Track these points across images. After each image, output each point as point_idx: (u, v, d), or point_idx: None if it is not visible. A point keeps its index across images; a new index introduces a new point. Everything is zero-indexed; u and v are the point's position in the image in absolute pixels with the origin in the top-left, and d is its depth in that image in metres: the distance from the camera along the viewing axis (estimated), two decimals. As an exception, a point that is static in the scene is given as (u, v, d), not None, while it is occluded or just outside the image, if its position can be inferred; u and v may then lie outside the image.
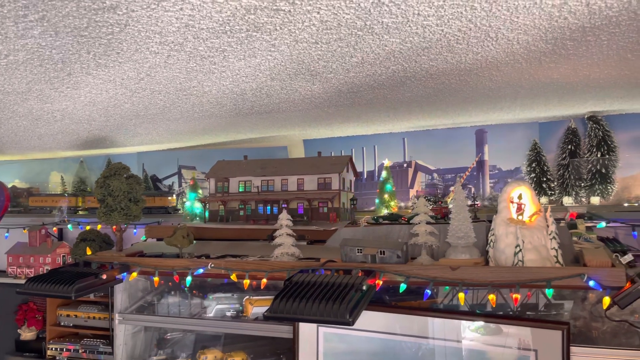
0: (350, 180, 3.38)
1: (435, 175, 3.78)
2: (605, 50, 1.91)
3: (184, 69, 2.04)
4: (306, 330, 2.92)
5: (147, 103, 2.61)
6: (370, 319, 2.88)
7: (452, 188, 3.67)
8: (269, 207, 3.15)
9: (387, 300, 2.98)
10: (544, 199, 3.37)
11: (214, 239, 3.28)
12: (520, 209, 2.41)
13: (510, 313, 2.72)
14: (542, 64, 2.08)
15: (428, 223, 2.55)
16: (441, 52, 1.90)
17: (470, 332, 2.69)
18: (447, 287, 2.39)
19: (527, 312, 2.77)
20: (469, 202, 3.34)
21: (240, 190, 3.31)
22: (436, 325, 2.75)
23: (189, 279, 2.74)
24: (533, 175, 3.39)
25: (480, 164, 3.65)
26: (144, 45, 1.73)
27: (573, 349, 2.45)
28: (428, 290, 2.32)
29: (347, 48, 1.83)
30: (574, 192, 3.29)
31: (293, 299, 2.18)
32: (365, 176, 3.96)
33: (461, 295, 2.26)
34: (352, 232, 2.88)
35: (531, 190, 2.42)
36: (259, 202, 3.19)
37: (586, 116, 3.27)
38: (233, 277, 2.68)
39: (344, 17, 1.53)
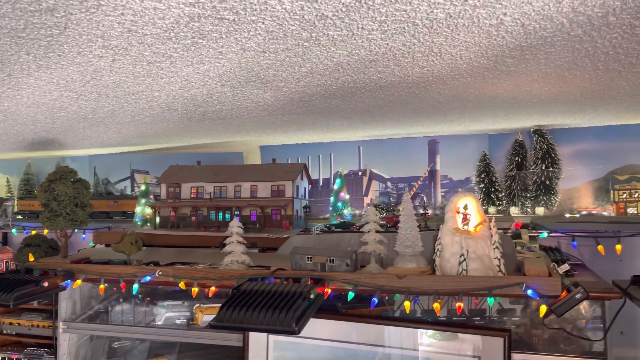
0: (305, 188, 3.39)
1: (389, 183, 3.83)
2: (543, 68, 1.99)
3: (130, 74, 2.00)
4: (256, 338, 2.91)
5: (94, 106, 2.55)
6: (322, 327, 2.90)
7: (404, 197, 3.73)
8: (221, 214, 3.12)
9: (340, 308, 3.01)
10: (492, 209, 3.47)
11: (165, 245, 3.23)
12: (465, 219, 2.47)
13: (464, 319, 2.79)
14: (486, 79, 2.15)
15: (377, 232, 2.59)
16: (388, 65, 1.94)
17: (427, 338, 2.74)
18: (398, 295, 2.42)
19: (478, 318, 2.84)
20: (421, 211, 3.41)
21: (192, 196, 3.26)
22: (390, 332, 2.79)
23: (135, 286, 2.68)
24: (482, 185, 3.48)
25: (432, 173, 3.73)
26: (86, 48, 1.70)
27: (514, 355, 2.53)
28: (375, 299, 2.35)
29: (296, 58, 1.84)
30: (520, 203, 3.40)
31: (240, 308, 2.17)
32: (321, 184, 3.98)
33: (407, 303, 2.30)
34: (304, 240, 2.89)
35: (477, 201, 2.49)
36: (211, 208, 3.16)
37: (532, 129, 3.39)
38: (181, 285, 2.64)
39: (289, 28, 1.54)
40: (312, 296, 2.23)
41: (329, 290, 2.39)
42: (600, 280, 2.59)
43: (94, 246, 3.49)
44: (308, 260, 2.51)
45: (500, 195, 3.47)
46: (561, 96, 2.48)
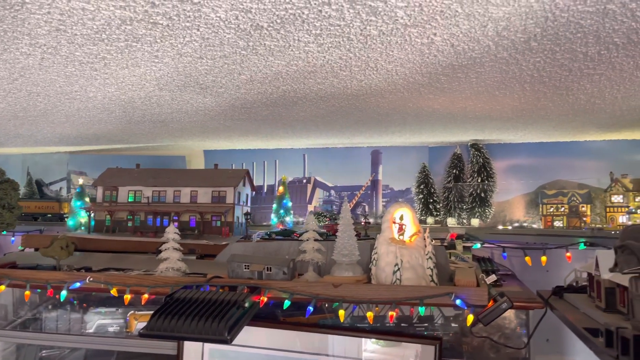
0: (247, 194, 3.37)
1: (332, 192, 3.87)
2: (475, 86, 2.08)
3: (62, 73, 1.93)
4: (191, 347, 2.85)
5: (24, 104, 2.44)
6: (261, 335, 2.88)
7: (343, 206, 3.78)
8: (159, 219, 3.05)
9: (280, 315, 3.00)
10: (430, 219, 3.57)
11: (99, 250, 3.11)
12: (401, 230, 2.53)
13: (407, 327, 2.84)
14: (422, 94, 2.22)
15: (316, 240, 2.60)
16: (327, 77, 1.96)
17: (372, 344, 2.77)
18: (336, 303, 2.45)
19: (427, 325, 2.88)
20: (363, 220, 3.47)
21: (129, 200, 3.17)
22: (333, 340, 2.80)
23: (63, 293, 2.57)
24: (421, 196, 3.58)
25: (375, 183, 3.80)
26: (12, 45, 1.62)
27: (444, 362, 2.60)
28: (310, 307, 2.36)
29: (234, 65, 1.84)
30: (456, 214, 3.51)
31: (171, 317, 2.12)
32: (265, 190, 3.96)
33: (341, 312, 2.33)
34: (243, 247, 2.87)
35: (412, 212, 2.56)
36: (149, 213, 3.08)
37: (469, 143, 3.53)
38: (113, 292, 2.56)
39: (225, 36, 1.54)
40: (246, 305, 2.21)
41: (265, 299, 2.38)
42: (527, 290, 2.70)
43: (22, 250, 3.32)
44: (245, 268, 2.49)
45: (438, 206, 3.58)
46: (494, 113, 2.59)
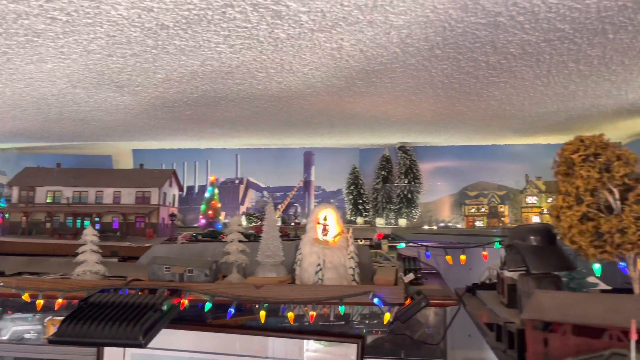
0: (174, 195, 3.30)
1: (265, 192, 3.86)
2: (391, 91, 2.14)
3: (-39, 66, 1.83)
4: (111, 352, 2.77)
5: None
6: (191, 338, 2.85)
7: (279, 206, 3.79)
8: (79, 221, 2.94)
9: (210, 317, 2.97)
10: (360, 220, 3.64)
11: (13, 253, 2.96)
12: (325, 230, 2.56)
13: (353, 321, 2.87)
14: (342, 98, 2.26)
15: (240, 241, 2.59)
16: (245, 77, 1.96)
17: (314, 344, 2.78)
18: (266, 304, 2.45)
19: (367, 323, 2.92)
20: (293, 221, 3.48)
21: (48, 201, 3.04)
22: (272, 341, 2.81)
23: (-31, 299, 2.43)
24: (351, 197, 3.64)
25: (307, 184, 3.82)
26: None
27: (366, 360, 2.67)
28: (231, 309, 2.35)
29: (147, 64, 1.80)
30: (385, 214, 3.59)
31: (83, 322, 2.05)
32: (196, 191, 3.90)
33: (262, 313, 2.33)
34: (167, 249, 2.81)
35: (336, 213, 2.60)
36: (68, 214, 2.96)
37: (397, 146, 3.62)
38: (25, 297, 2.44)
39: (131, 35, 1.51)
40: (164, 307, 2.17)
41: (186, 301, 2.35)
42: (446, 288, 2.81)
43: None
44: (166, 270, 2.44)
45: (368, 207, 3.65)
46: (415, 117, 2.68)
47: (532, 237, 1.55)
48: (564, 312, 1.10)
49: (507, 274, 1.91)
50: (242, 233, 2.69)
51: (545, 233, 1.48)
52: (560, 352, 1.04)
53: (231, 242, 2.58)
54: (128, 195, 2.99)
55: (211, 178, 3.55)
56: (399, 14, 1.35)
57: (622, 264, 2.20)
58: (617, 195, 1.24)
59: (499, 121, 2.76)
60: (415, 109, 2.48)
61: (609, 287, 1.72)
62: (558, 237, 1.43)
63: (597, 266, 2.26)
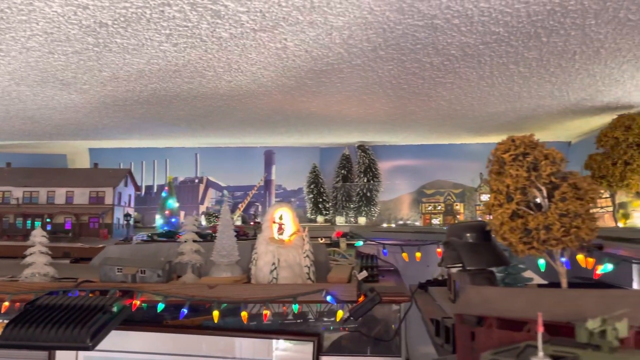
0: (130, 195, 3.25)
1: (225, 192, 3.84)
2: (342, 90, 2.16)
3: None
4: (63, 355, 2.71)
5: None
6: (151, 340, 2.82)
7: (239, 205, 3.78)
8: (29, 222, 2.86)
9: (168, 318, 2.94)
10: (320, 218, 3.66)
11: (-41, 256, 2.87)
12: (281, 229, 2.57)
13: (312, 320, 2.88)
14: (295, 97, 2.27)
15: (195, 241, 2.57)
16: (193, 76, 1.95)
17: (283, 343, 2.79)
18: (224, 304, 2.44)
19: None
20: (252, 221, 3.48)
21: (-4, 202, 2.95)
22: (238, 343, 2.81)
23: None
24: (311, 195, 3.65)
25: (268, 183, 3.82)
26: None
27: (323, 357, 2.69)
28: (184, 310, 2.33)
29: (91, 62, 1.77)
30: (345, 213, 3.62)
31: (29, 325, 2.00)
32: (155, 190, 3.85)
33: (215, 312, 2.32)
34: (120, 249, 2.77)
35: (292, 212, 2.60)
36: (18, 215, 2.88)
37: (356, 145, 3.65)
38: (-31, 300, 2.37)
39: (70, 32, 1.48)
40: (114, 309, 2.14)
41: (138, 302, 2.32)
42: (401, 285, 2.85)
43: None
44: (118, 271, 2.41)
45: (328, 205, 3.67)
46: (369, 117, 2.71)
47: (468, 235, 1.59)
48: (490, 306, 1.13)
49: (453, 270, 1.95)
50: (198, 233, 2.67)
51: (481, 230, 1.52)
52: (486, 345, 1.07)
53: (185, 242, 2.56)
54: (81, 195, 2.93)
55: (169, 177, 3.50)
56: (337, 15, 1.37)
57: (563, 259, 2.28)
58: (545, 193, 1.28)
59: (451, 121, 2.82)
60: (369, 108, 2.51)
61: (545, 282, 1.78)
62: (493, 234, 1.47)
63: (541, 261, 2.34)
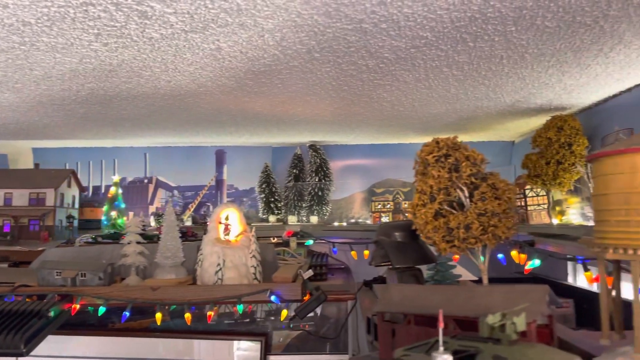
0: (74, 196, 3.17)
1: (176, 192, 3.79)
2: (284, 91, 2.17)
3: None
4: (1, 362, 2.62)
5: None
6: (96, 343, 2.77)
7: (190, 206, 3.74)
8: (-36, 225, 2.75)
9: (116, 322, 2.89)
10: (272, 218, 3.66)
11: None
12: (227, 230, 2.56)
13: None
14: (238, 97, 2.27)
15: (139, 243, 2.53)
16: (130, 76, 1.92)
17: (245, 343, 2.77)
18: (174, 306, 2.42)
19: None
20: (201, 221, 3.45)
21: None
22: (197, 345, 2.78)
23: None
24: (263, 195, 3.65)
25: (219, 183, 3.79)
26: None
27: (270, 357, 2.70)
28: (126, 312, 2.29)
29: (20, 61, 1.72)
30: (297, 212, 3.64)
31: (-43, 332, 1.93)
32: (103, 191, 3.76)
33: (158, 315, 2.30)
34: (61, 252, 2.69)
35: (239, 212, 2.60)
36: (-48, 218, 2.77)
37: (308, 144, 3.67)
38: None
39: (-8, 30, 1.43)
40: (51, 314, 2.09)
41: (78, 306, 2.27)
42: (350, 282, 2.89)
43: None
44: (57, 275, 2.34)
45: (280, 205, 3.68)
46: (316, 117, 2.73)
47: (396, 234, 1.64)
48: (409, 304, 1.17)
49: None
50: (143, 234, 2.64)
51: (408, 229, 1.57)
52: (405, 341, 1.11)
53: (129, 243, 2.52)
54: (20, 197, 2.84)
55: (115, 178, 3.43)
56: (267, 18, 1.38)
57: (500, 256, 2.36)
58: (466, 193, 1.33)
59: (397, 121, 2.87)
60: (314, 109, 2.53)
61: (475, 278, 1.84)
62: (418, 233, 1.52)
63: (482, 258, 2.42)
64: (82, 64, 1.77)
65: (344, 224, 3.67)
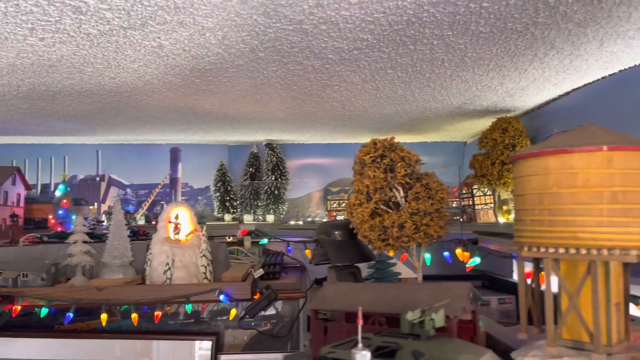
0: (19, 194, 3.07)
1: (129, 190, 3.72)
2: (232, 90, 2.16)
3: None
4: (-62, 367, 2.52)
5: None
6: (38, 346, 2.69)
7: (143, 204, 3.68)
8: None
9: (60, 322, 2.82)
10: (227, 217, 3.64)
11: None
12: (177, 229, 2.53)
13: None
14: (187, 95, 2.25)
15: (85, 242, 2.48)
16: (72, 72, 1.88)
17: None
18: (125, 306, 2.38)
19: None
20: (154, 220, 3.39)
21: None
22: (155, 345, 2.73)
23: None
24: (218, 194, 3.62)
25: (174, 181, 3.75)
26: None
27: (221, 357, 2.68)
28: (70, 314, 2.24)
29: (-49, 54, 1.66)
30: (252, 211, 3.63)
31: None
32: (52, 188, 3.66)
33: (103, 315, 2.26)
34: (3, 252, 2.60)
35: (190, 211, 2.57)
36: None
37: (264, 143, 3.66)
38: None
39: None
40: (-12, 316, 2.02)
41: (19, 308, 2.20)
42: (303, 281, 2.90)
43: None
44: (-3, 275, 2.27)
45: (235, 204, 3.66)
46: (269, 116, 2.73)
47: (336, 232, 1.66)
48: (341, 301, 1.19)
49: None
50: (91, 233, 2.59)
51: (347, 228, 1.59)
52: (336, 338, 1.13)
53: (74, 243, 2.46)
54: (-40, 195, 2.73)
55: (63, 176, 3.34)
56: (206, 17, 1.37)
57: (445, 254, 2.42)
58: (402, 193, 1.37)
59: (350, 121, 2.90)
60: (266, 108, 2.53)
61: (415, 276, 1.88)
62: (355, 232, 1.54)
63: (427, 255, 2.48)
64: (19, 59, 1.72)
65: (300, 222, 3.68)
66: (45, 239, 2.84)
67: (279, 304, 3.11)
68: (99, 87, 2.10)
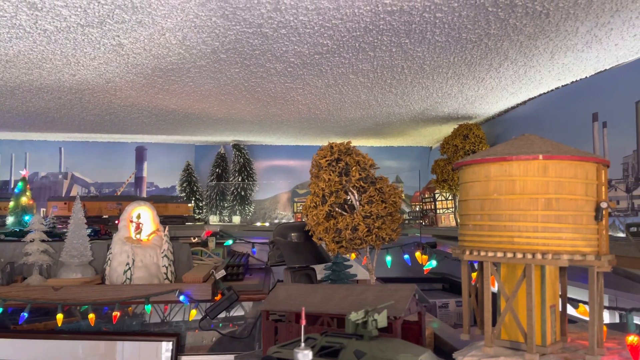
0: (-25, 191, 2.98)
1: (92, 188, 3.66)
2: (196, 90, 2.16)
3: None
4: None
5: None
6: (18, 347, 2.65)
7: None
8: None
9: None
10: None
11: None
12: (138, 228, 2.51)
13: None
14: (149, 94, 2.23)
15: (43, 241, 2.44)
16: (30, 67, 1.85)
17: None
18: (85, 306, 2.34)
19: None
20: (118, 220, 3.34)
21: None
22: (120, 346, 2.68)
23: None
24: (184, 194, 3.60)
25: (139, 180, 3.70)
26: None
27: (182, 357, 2.67)
28: (24, 313, 2.20)
29: None
30: (219, 212, 3.62)
31: None
32: (12, 186, 3.57)
33: (59, 316, 2.22)
34: (-43, 250, 2.54)
35: (152, 211, 2.56)
36: None
37: (232, 144, 3.66)
38: None
39: None
40: (-63, 316, 1.97)
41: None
42: (266, 282, 2.91)
43: None
44: (-53, 274, 2.21)
45: (201, 204, 3.64)
46: (235, 116, 2.73)
47: (292, 234, 1.68)
48: (292, 302, 1.21)
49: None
50: (50, 232, 2.54)
51: (303, 230, 1.61)
52: (286, 338, 1.15)
53: (31, 241, 2.42)
54: None
55: (23, 173, 3.26)
56: (165, 17, 1.37)
57: (405, 257, 2.46)
58: (356, 196, 1.40)
59: (316, 124, 2.93)
60: (231, 109, 2.53)
61: (372, 277, 1.91)
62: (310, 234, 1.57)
63: (388, 258, 2.52)
64: (-27, 53, 1.68)
65: (267, 224, 3.68)
66: (2, 237, 2.76)
67: (246, 306, 3.12)
68: (59, 84, 2.07)
